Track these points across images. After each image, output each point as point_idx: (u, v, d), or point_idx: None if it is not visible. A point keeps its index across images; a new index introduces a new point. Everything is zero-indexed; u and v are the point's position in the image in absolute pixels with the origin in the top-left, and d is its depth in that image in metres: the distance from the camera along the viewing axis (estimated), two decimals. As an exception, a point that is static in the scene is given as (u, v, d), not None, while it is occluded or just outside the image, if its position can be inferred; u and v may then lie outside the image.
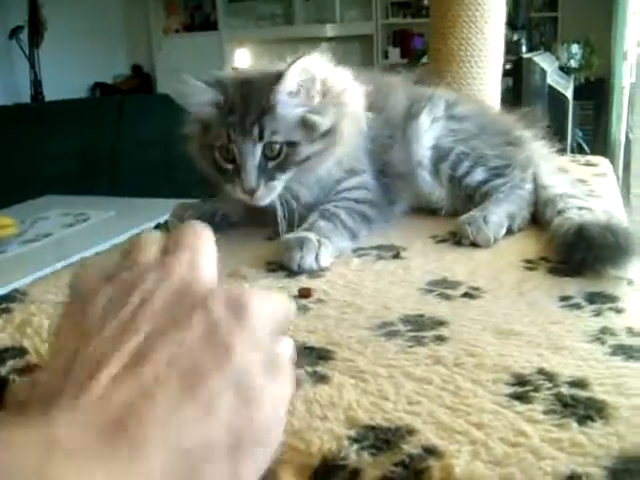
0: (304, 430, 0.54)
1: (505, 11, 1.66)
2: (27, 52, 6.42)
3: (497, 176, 1.11)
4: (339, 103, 1.04)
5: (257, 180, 0.97)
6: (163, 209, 2.51)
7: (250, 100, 0.98)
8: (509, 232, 1.04)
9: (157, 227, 1.16)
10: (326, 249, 0.94)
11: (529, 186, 1.11)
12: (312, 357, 0.67)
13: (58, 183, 3.69)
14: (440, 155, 1.13)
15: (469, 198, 1.12)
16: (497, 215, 1.02)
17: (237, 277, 0.90)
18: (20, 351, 0.70)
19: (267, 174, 0.98)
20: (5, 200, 3.13)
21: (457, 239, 1.02)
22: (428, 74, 1.37)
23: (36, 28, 6.34)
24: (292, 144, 0.98)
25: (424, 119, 1.15)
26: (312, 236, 0.95)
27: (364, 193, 1.08)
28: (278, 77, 0.97)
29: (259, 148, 0.97)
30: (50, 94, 6.27)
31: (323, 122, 1.00)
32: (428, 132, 1.14)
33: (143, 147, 3.84)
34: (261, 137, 0.97)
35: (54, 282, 0.91)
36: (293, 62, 0.96)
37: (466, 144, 1.13)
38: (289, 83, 0.97)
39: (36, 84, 6.46)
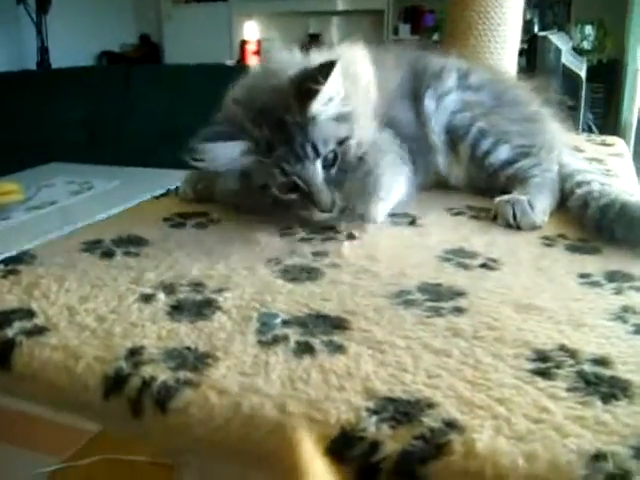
0: (321, 400, 0.53)
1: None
2: (34, 18, 6.35)
3: (523, 156, 1.08)
4: (354, 81, 0.98)
5: (331, 194, 0.91)
6: (167, 179, 2.50)
7: (285, 125, 0.89)
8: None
9: (166, 194, 1.14)
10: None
11: (556, 168, 1.08)
12: (327, 326, 0.65)
13: (64, 150, 3.67)
14: (458, 135, 1.09)
15: (492, 177, 1.09)
16: (541, 202, 0.99)
17: (249, 242, 0.88)
18: (28, 313, 0.68)
19: (334, 182, 0.92)
20: (11, 166, 3.12)
21: (491, 216, 0.99)
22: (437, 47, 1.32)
23: (44, -6, 6.28)
24: (342, 142, 0.93)
25: (429, 102, 1.11)
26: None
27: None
28: (308, 92, 0.88)
29: (319, 165, 0.91)
30: (57, 61, 6.21)
31: (354, 106, 0.95)
32: (436, 114, 1.10)
33: (149, 116, 3.80)
34: (317, 153, 0.90)
35: (62, 245, 0.89)
36: (326, 74, 0.88)
37: (485, 119, 1.09)
38: (325, 95, 0.90)
39: (42, 51, 6.40)
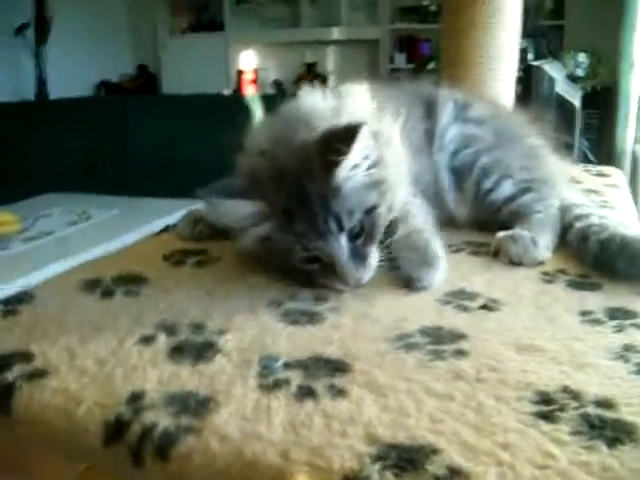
0: (324, 446, 0.52)
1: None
2: (33, 49, 6.40)
3: (525, 191, 1.08)
4: (386, 142, 0.91)
5: (356, 269, 0.84)
6: (166, 209, 2.51)
7: (305, 196, 0.82)
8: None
9: (165, 230, 1.14)
10: (437, 268, 0.88)
11: (557, 203, 1.08)
12: (329, 369, 0.65)
13: (62, 181, 3.67)
14: (463, 173, 1.09)
15: (495, 213, 1.09)
16: (544, 238, 0.99)
17: (248, 283, 0.88)
18: (27, 355, 0.68)
19: (360, 254, 0.85)
20: (9, 197, 3.12)
21: (491, 251, 0.99)
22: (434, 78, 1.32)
23: (42, 26, 6.32)
24: (369, 211, 0.85)
25: (441, 136, 1.10)
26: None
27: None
28: (331, 160, 0.80)
29: (343, 239, 0.84)
30: (55, 92, 6.24)
31: (387, 170, 0.88)
32: (441, 151, 1.10)
33: (147, 147, 3.82)
34: (341, 228, 0.83)
35: (61, 284, 0.89)
36: (350, 140, 0.79)
37: (488, 155, 1.09)
38: (350, 162, 0.82)
39: (41, 82, 6.44)
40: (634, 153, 3.47)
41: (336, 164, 0.80)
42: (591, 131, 4.98)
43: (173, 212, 2.02)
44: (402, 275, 0.88)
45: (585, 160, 4.27)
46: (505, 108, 1.38)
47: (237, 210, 0.85)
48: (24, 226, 2.63)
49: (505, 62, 1.58)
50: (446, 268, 0.89)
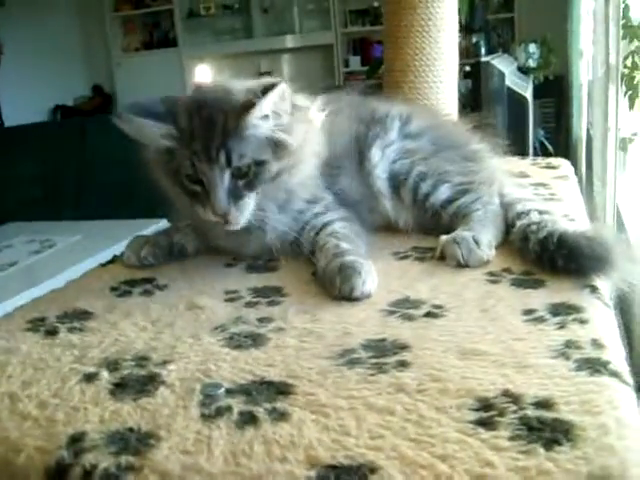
0: (262, 475, 0.52)
1: (458, 18, 1.66)
2: (-17, 78, 6.33)
3: (463, 193, 1.10)
4: (306, 120, 1.03)
5: (227, 202, 0.95)
6: (129, 230, 2.48)
7: (212, 125, 0.95)
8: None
9: (112, 261, 1.13)
10: (368, 275, 0.90)
11: (497, 200, 1.10)
12: (271, 392, 0.65)
13: (22, 209, 3.64)
14: (399, 180, 1.12)
15: (436, 217, 1.10)
16: (486, 235, 1.00)
17: (195, 309, 0.87)
18: (-33, 404, 0.67)
19: (236, 194, 0.96)
20: (-33, 229, 3.08)
21: (436, 256, 1.00)
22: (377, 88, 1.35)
23: (-8, 53, 6.26)
24: (261, 163, 0.97)
25: (375, 151, 1.13)
26: (360, 260, 0.92)
27: (341, 213, 1.06)
28: (248, 104, 0.94)
29: (227, 173, 0.95)
30: (10, 119, 6.17)
31: (292, 140, 0.99)
32: (382, 162, 1.13)
33: (107, 168, 3.79)
34: (229, 163, 0.95)
35: (6, 326, 0.88)
36: (267, 90, 0.93)
37: (424, 163, 1.12)
38: (262, 110, 0.95)
39: (-5, 109, 6.37)
40: (589, 139, 3.51)
41: (248, 108, 0.93)
42: (547, 120, 5.05)
43: (136, 233, 2.01)
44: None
45: (543, 150, 4.32)
46: (445, 116, 1.40)
47: (149, 129, 0.97)
48: (-14, 259, 2.61)
49: (445, 63, 1.60)
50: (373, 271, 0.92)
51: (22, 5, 6.45)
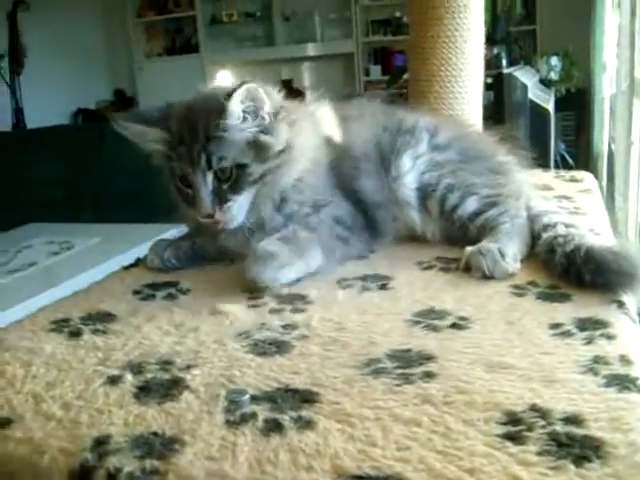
0: (289, 483, 0.52)
1: (484, 27, 1.65)
2: (8, 80, 6.39)
3: (491, 205, 1.09)
4: (292, 121, 1.04)
5: (212, 205, 0.99)
6: (147, 234, 2.49)
7: (195, 130, 0.99)
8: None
9: (135, 264, 1.13)
10: (289, 268, 0.96)
11: (524, 213, 1.09)
12: (296, 400, 0.64)
13: (41, 211, 3.66)
14: (427, 192, 1.11)
15: (463, 229, 1.10)
16: (512, 248, 0.99)
17: (219, 315, 0.87)
18: (-8, 404, 0.67)
19: (221, 196, 0.99)
20: (-12, 229, 3.10)
21: (460, 267, 1.00)
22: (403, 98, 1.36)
23: (16, 56, 6.32)
24: (242, 166, 0.99)
25: (406, 160, 1.13)
26: (281, 253, 0.95)
27: (340, 214, 1.07)
28: (220, 107, 0.97)
29: (210, 176, 0.99)
30: (32, 122, 6.22)
31: (275, 141, 1.01)
32: (411, 172, 1.13)
33: (126, 172, 3.80)
34: (209, 166, 0.99)
35: (30, 326, 0.88)
36: (233, 91, 0.97)
37: (453, 175, 1.11)
38: (233, 112, 0.98)
39: (17, 112, 6.42)
40: (610, 153, 3.49)
41: (220, 112, 0.97)
42: (568, 133, 5.02)
43: (154, 236, 2.02)
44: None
45: (564, 163, 4.29)
46: (472, 127, 1.40)
47: (145, 134, 1.03)
48: (6, 259, 2.62)
49: (471, 74, 1.59)
50: (297, 270, 0.97)
51: (47, 9, 6.52)
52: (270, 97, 1.02)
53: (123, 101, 7.53)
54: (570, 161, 4.44)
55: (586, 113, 4.65)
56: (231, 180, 0.99)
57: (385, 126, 1.17)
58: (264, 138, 1.00)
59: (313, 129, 1.10)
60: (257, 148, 1.00)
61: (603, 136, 3.73)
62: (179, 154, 1.00)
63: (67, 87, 6.82)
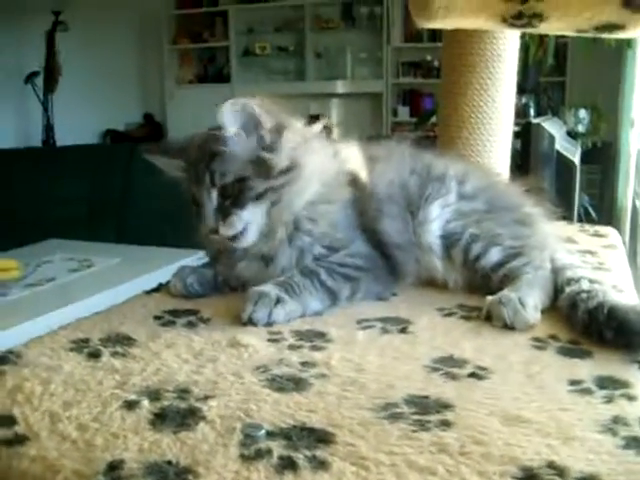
0: (301, 525, 0.52)
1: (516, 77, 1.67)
2: (41, 97, 6.51)
3: (515, 256, 1.09)
4: (299, 143, 1.07)
5: (215, 219, 1.03)
6: (168, 258, 2.50)
7: (201, 152, 1.05)
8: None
9: (157, 289, 1.14)
10: (282, 307, 0.97)
11: (549, 266, 1.09)
12: (311, 439, 0.64)
13: (65, 228, 3.69)
14: (451, 240, 1.12)
15: (486, 279, 1.10)
16: (532, 297, 0.99)
17: (238, 346, 0.87)
18: (9, 420, 0.67)
19: (224, 211, 1.03)
20: (12, 242, 3.13)
21: (482, 316, 0.99)
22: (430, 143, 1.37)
23: (51, 74, 6.45)
24: (242, 179, 1.02)
25: (435, 208, 1.14)
26: (272, 291, 0.97)
27: (350, 260, 1.07)
28: (218, 130, 1.03)
29: (214, 192, 1.03)
30: (62, 139, 6.33)
31: (277, 159, 1.03)
32: (439, 219, 1.13)
33: (151, 196, 3.84)
34: (213, 182, 1.03)
35: (50, 344, 0.88)
36: (222, 112, 1.00)
37: (477, 225, 1.12)
38: (226, 123, 1.01)
39: (48, 128, 6.54)
40: (634, 209, 3.48)
41: (217, 128, 1.02)
42: (592, 186, 5.01)
43: (175, 261, 2.03)
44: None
45: (586, 216, 4.28)
46: (500, 177, 1.40)
47: (170, 163, 1.10)
48: (25, 272, 2.63)
49: (500, 122, 1.60)
50: (289, 310, 0.98)
51: (84, 31, 6.66)
52: (272, 114, 1.05)
53: (152, 125, 7.64)
54: (593, 214, 4.42)
55: (611, 167, 4.65)
56: (234, 195, 1.02)
57: (413, 169, 1.18)
58: (264, 154, 1.03)
59: (327, 153, 1.13)
60: (258, 164, 1.03)
61: (627, 191, 3.72)
62: (189, 177, 1.06)
63: (98, 107, 6.94)
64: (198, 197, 1.04)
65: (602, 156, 4.82)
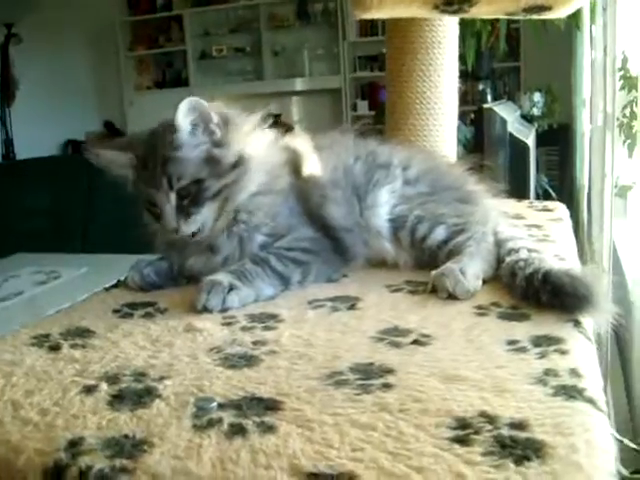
0: (247, 479, 0.56)
1: (465, 66, 1.72)
2: (-1, 111, 6.45)
3: (459, 233, 1.14)
4: (244, 134, 1.10)
5: (176, 220, 1.05)
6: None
7: (154, 152, 1.05)
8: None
9: (116, 285, 1.17)
10: (236, 293, 1.01)
11: (491, 239, 1.14)
12: (261, 408, 0.68)
13: (30, 241, 3.68)
14: (398, 223, 1.17)
15: (433, 257, 1.15)
16: (473, 267, 1.04)
17: (193, 331, 0.91)
18: (-29, 412, 0.71)
19: (184, 212, 1.05)
20: (-25, 259, 3.12)
21: (427, 289, 1.04)
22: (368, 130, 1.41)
23: (7, 87, 6.39)
24: (199, 181, 1.05)
25: (384, 193, 1.19)
26: (225, 279, 1.01)
27: (296, 244, 1.11)
28: (170, 125, 1.04)
29: (172, 195, 1.05)
30: (22, 152, 6.27)
31: (227, 154, 1.07)
32: (387, 204, 1.18)
33: (114, 203, 3.83)
34: (170, 186, 1.04)
35: (12, 341, 0.92)
36: (175, 112, 1.02)
37: (421, 207, 1.17)
38: (180, 125, 1.03)
39: (7, 143, 6.48)
40: (590, 186, 3.57)
41: (170, 131, 1.04)
42: (552, 168, 5.10)
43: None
44: None
45: (546, 197, 4.36)
46: (443, 159, 1.45)
47: (115, 158, 1.09)
48: (-8, 287, 2.64)
49: (445, 107, 1.65)
50: (243, 297, 1.02)
51: (38, 42, 6.61)
52: (219, 110, 1.08)
53: (113, 132, 7.60)
54: (553, 194, 4.50)
55: (569, 148, 4.75)
56: (191, 196, 1.05)
57: (357, 156, 1.23)
58: (216, 152, 1.06)
59: (271, 143, 1.16)
60: (212, 163, 1.06)
61: (584, 169, 3.80)
62: (144, 178, 1.06)
63: (57, 118, 6.89)
64: (155, 200, 1.06)
65: (560, 138, 4.92)
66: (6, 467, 0.61)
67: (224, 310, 0.99)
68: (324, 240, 1.14)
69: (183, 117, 1.03)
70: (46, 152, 6.11)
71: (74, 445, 0.62)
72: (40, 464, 0.60)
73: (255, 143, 1.12)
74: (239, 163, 1.08)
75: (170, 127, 1.04)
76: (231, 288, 1.01)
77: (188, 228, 1.06)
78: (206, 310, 0.99)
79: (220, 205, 1.07)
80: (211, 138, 1.06)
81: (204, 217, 1.07)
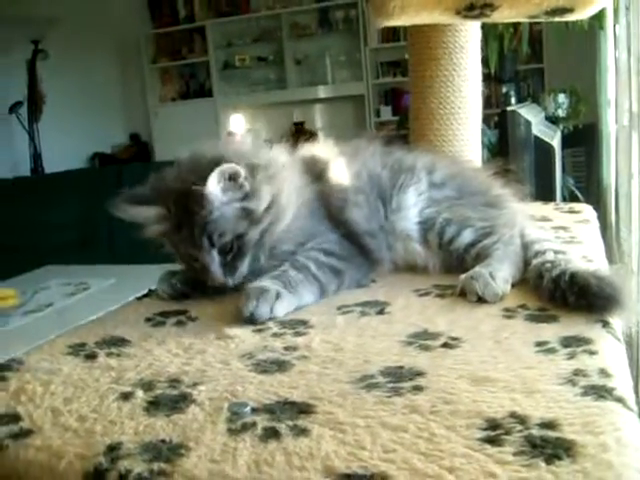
0: (283, 480, 0.57)
1: (488, 69, 1.73)
2: (27, 126, 6.55)
3: (486, 236, 1.15)
4: (270, 177, 1.09)
5: (223, 275, 1.06)
6: (160, 274, 2.54)
7: (190, 213, 1.04)
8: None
9: (147, 295, 1.19)
10: (281, 302, 1.01)
11: (518, 242, 1.15)
12: (294, 412, 0.69)
13: (59, 253, 3.73)
14: (428, 225, 1.18)
15: (460, 260, 1.16)
16: (502, 271, 1.05)
17: (225, 338, 0.93)
18: (14, 417, 0.73)
19: (229, 266, 1.07)
20: (6, 271, 3.17)
21: (456, 293, 1.05)
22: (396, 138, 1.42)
23: (35, 102, 6.50)
24: (240, 235, 1.06)
25: (411, 195, 1.20)
26: (272, 287, 1.01)
27: (328, 246, 1.12)
28: (201, 194, 1.02)
29: (214, 252, 1.05)
30: (50, 166, 6.37)
31: (260, 203, 1.06)
32: (415, 207, 1.20)
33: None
34: (212, 244, 1.05)
35: (49, 350, 0.94)
36: (209, 175, 1.01)
37: (449, 210, 1.18)
38: (211, 195, 1.03)
39: (36, 157, 6.58)
40: (617, 186, 3.54)
41: (204, 199, 1.02)
42: (578, 169, 5.07)
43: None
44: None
45: (573, 199, 4.33)
46: (467, 164, 1.46)
47: (143, 213, 1.09)
48: (23, 300, 2.68)
49: (469, 112, 1.66)
50: (288, 305, 1.02)
51: (65, 57, 6.73)
52: (243, 158, 1.07)
53: (138, 145, 7.69)
54: (580, 196, 4.48)
55: (595, 148, 4.72)
56: (233, 251, 1.06)
57: (385, 164, 1.25)
58: (249, 204, 1.06)
59: (296, 176, 1.16)
60: (248, 215, 1.06)
61: (611, 169, 3.78)
62: (182, 238, 1.07)
63: (84, 132, 7.00)
64: (200, 259, 1.06)
65: (586, 138, 4.89)
66: (49, 472, 0.63)
67: (270, 319, 0.99)
68: (349, 245, 1.15)
69: (214, 185, 1.03)
70: (73, 165, 6.21)
71: (113, 450, 0.64)
72: (81, 468, 0.62)
73: (282, 181, 1.11)
74: (271, 205, 1.08)
75: (201, 196, 1.03)
76: (277, 296, 1.01)
77: (235, 280, 1.07)
78: (252, 318, 0.98)
79: (261, 248, 1.09)
80: (242, 192, 1.06)
81: (247, 266, 1.08)
